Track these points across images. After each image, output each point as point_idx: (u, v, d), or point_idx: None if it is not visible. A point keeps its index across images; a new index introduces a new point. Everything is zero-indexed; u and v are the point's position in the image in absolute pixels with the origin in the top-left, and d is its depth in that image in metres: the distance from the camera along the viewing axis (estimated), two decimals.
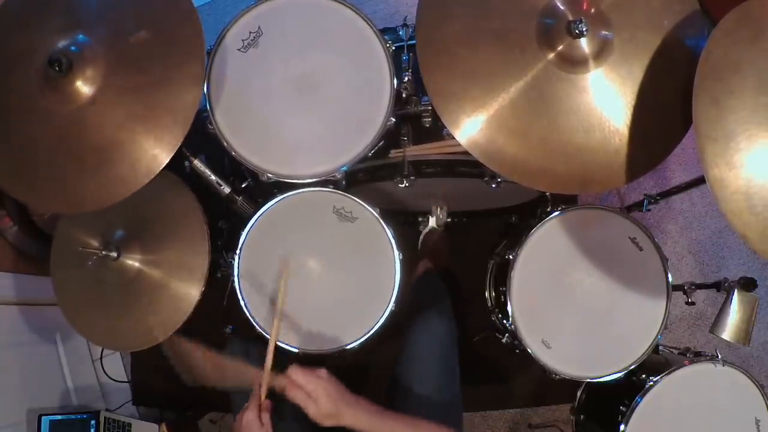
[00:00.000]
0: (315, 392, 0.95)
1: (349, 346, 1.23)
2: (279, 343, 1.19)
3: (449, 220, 1.75)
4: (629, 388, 1.29)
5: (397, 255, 1.24)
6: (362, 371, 1.10)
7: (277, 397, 1.01)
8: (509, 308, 1.31)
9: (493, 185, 1.26)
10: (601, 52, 1.04)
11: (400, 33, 1.38)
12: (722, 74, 0.93)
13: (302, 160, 1.25)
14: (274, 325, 1.07)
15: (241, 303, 1.26)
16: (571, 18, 1.02)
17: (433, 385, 1.18)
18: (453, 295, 1.44)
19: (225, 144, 1.24)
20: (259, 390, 1.02)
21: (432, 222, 1.71)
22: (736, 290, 1.27)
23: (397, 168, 1.28)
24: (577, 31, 1.00)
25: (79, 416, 1.65)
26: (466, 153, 1.05)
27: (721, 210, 0.90)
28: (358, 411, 0.97)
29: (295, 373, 0.98)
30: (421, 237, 1.79)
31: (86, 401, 1.79)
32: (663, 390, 1.26)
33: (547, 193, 1.45)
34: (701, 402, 1.28)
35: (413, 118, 1.36)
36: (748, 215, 0.91)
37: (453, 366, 1.24)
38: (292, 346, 1.23)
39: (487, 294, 1.64)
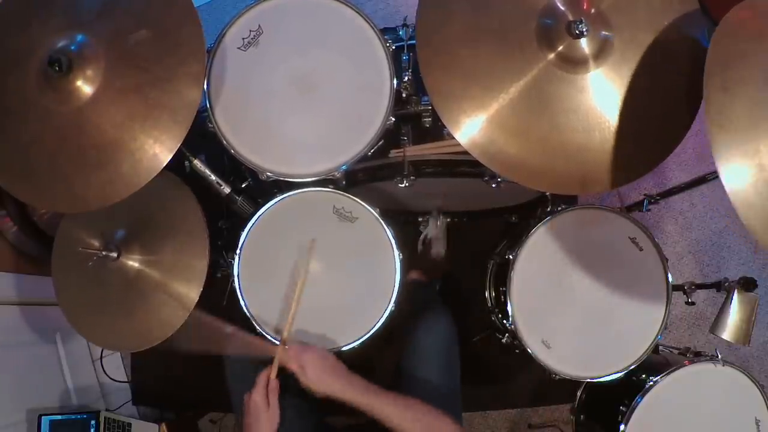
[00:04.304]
0: (305, 362, 1.06)
1: (349, 346, 1.23)
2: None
3: (449, 220, 1.75)
4: (629, 388, 1.29)
5: (397, 255, 1.24)
6: (363, 371, 1.10)
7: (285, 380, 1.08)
8: (509, 308, 1.31)
9: (493, 185, 1.26)
10: (601, 53, 1.04)
11: (400, 33, 1.37)
12: (731, 63, 0.92)
13: (302, 158, 1.25)
14: (294, 299, 1.17)
15: (241, 303, 1.26)
16: (571, 18, 1.02)
17: (434, 378, 1.20)
18: (453, 295, 1.44)
19: (225, 143, 1.24)
20: (267, 372, 1.08)
21: (432, 222, 1.71)
22: (736, 290, 1.27)
23: (397, 168, 1.28)
24: (577, 32, 1.00)
25: (79, 416, 1.64)
26: (466, 153, 1.05)
27: (730, 198, 0.87)
28: (346, 383, 1.04)
29: (292, 344, 1.12)
30: (421, 241, 1.79)
31: (86, 401, 1.79)
32: (663, 390, 1.26)
33: (547, 193, 1.45)
34: (701, 402, 1.28)
35: (413, 118, 1.36)
36: (757, 205, 0.89)
37: (454, 361, 1.25)
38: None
39: (487, 294, 1.64)
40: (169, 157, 1.06)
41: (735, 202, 0.88)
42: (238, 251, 1.26)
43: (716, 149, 0.89)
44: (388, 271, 1.25)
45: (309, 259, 1.21)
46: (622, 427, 1.25)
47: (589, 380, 1.32)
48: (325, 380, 1.05)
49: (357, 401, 1.02)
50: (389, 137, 1.28)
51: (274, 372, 1.08)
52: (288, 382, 1.11)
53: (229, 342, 1.16)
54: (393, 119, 1.23)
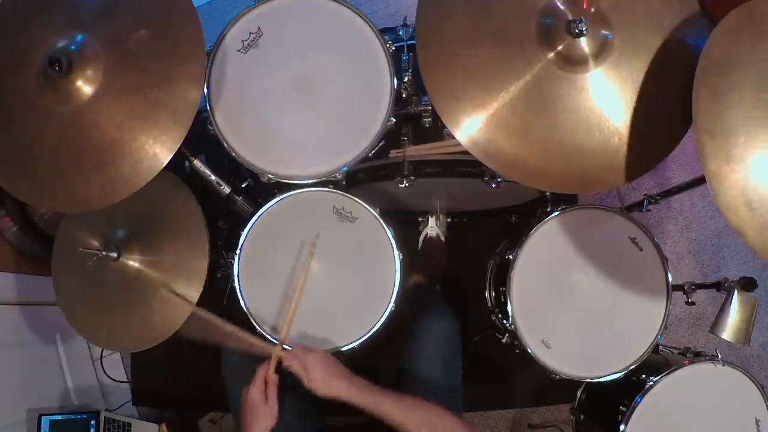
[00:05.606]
0: (309, 364, 1.06)
1: (349, 346, 1.23)
2: None
3: (449, 220, 1.75)
4: (629, 388, 1.29)
5: (397, 255, 1.24)
6: (363, 371, 1.10)
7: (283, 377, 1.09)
8: (509, 308, 1.31)
9: (493, 185, 1.26)
10: (601, 52, 1.04)
11: (400, 33, 1.38)
12: (723, 69, 0.93)
13: (302, 160, 1.25)
14: (294, 299, 1.16)
15: (241, 303, 1.26)
16: (571, 17, 1.02)
17: (434, 378, 1.19)
18: (453, 295, 1.44)
19: (225, 145, 1.24)
20: (266, 365, 1.08)
21: (432, 222, 1.71)
22: (736, 290, 1.27)
23: (397, 168, 1.28)
24: (577, 31, 1.00)
25: (79, 416, 1.64)
26: (466, 153, 1.05)
27: (718, 204, 0.90)
28: (350, 384, 1.04)
29: (295, 346, 1.11)
30: (421, 240, 1.78)
31: (86, 401, 1.79)
32: (663, 390, 1.26)
33: (547, 193, 1.45)
34: (701, 402, 1.28)
35: (413, 118, 1.36)
36: (744, 210, 0.91)
37: (455, 361, 1.25)
38: (292, 346, 1.23)
39: (487, 294, 1.64)
40: (169, 157, 1.06)
41: (722, 207, 0.90)
42: (238, 251, 1.26)
43: (704, 155, 0.90)
44: (388, 271, 1.25)
45: (309, 259, 1.21)
46: (622, 427, 1.25)
47: (589, 380, 1.32)
48: (330, 382, 1.04)
49: (361, 402, 1.02)
50: (389, 137, 1.28)
51: (272, 366, 1.08)
52: (287, 382, 1.11)
53: (229, 339, 1.16)
54: (393, 120, 1.23)
